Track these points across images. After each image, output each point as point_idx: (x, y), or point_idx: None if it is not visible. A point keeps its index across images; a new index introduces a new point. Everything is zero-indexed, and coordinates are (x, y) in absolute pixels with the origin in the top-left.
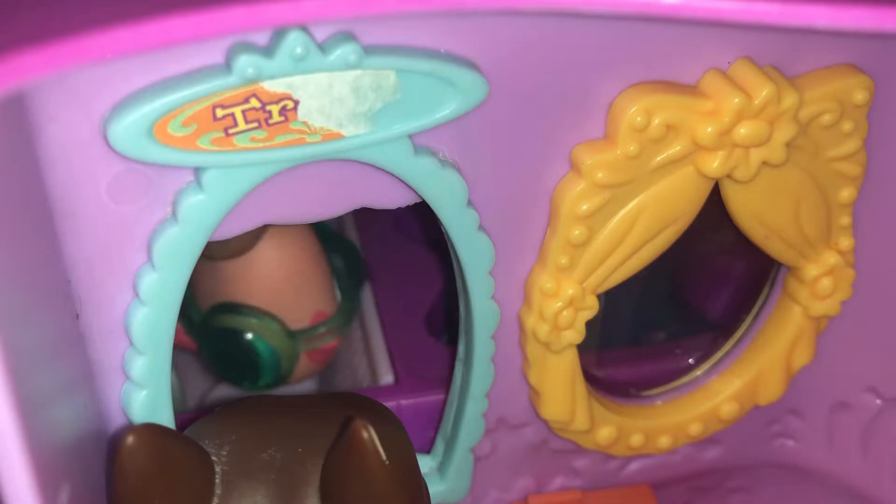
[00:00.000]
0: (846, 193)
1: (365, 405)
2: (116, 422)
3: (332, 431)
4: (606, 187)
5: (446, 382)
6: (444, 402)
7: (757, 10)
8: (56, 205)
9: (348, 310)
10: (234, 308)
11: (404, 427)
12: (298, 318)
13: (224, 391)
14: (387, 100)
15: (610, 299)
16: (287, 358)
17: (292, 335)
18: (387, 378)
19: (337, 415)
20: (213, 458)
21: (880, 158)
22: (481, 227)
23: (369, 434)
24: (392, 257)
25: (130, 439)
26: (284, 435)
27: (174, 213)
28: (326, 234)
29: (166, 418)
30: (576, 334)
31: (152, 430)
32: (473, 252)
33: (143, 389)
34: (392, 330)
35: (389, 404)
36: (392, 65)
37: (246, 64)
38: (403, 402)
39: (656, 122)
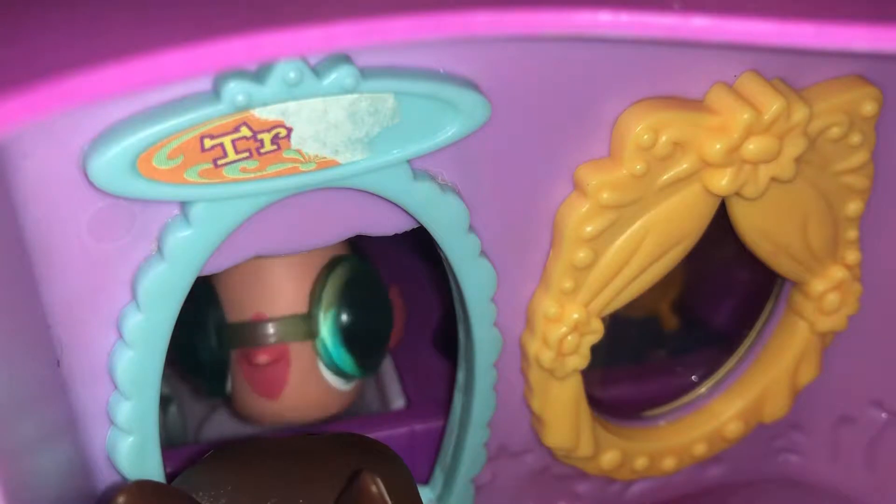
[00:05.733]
0: (853, 207)
1: (366, 447)
2: (102, 471)
3: (334, 479)
4: (612, 208)
5: None
6: None
7: (792, 32)
8: (32, 246)
9: (311, 323)
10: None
11: (406, 466)
12: (238, 309)
13: (222, 418)
14: (385, 124)
15: (610, 317)
16: (216, 357)
17: (226, 328)
18: (398, 402)
19: (337, 459)
20: None
21: (886, 169)
22: (483, 253)
23: (378, 489)
24: (395, 273)
25: (122, 499)
26: (283, 483)
27: (160, 250)
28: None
29: (155, 465)
30: (581, 360)
31: (144, 487)
32: (475, 279)
33: (130, 435)
34: (400, 350)
35: (402, 430)
36: (390, 87)
37: (235, 91)
38: (417, 427)
39: (663, 139)
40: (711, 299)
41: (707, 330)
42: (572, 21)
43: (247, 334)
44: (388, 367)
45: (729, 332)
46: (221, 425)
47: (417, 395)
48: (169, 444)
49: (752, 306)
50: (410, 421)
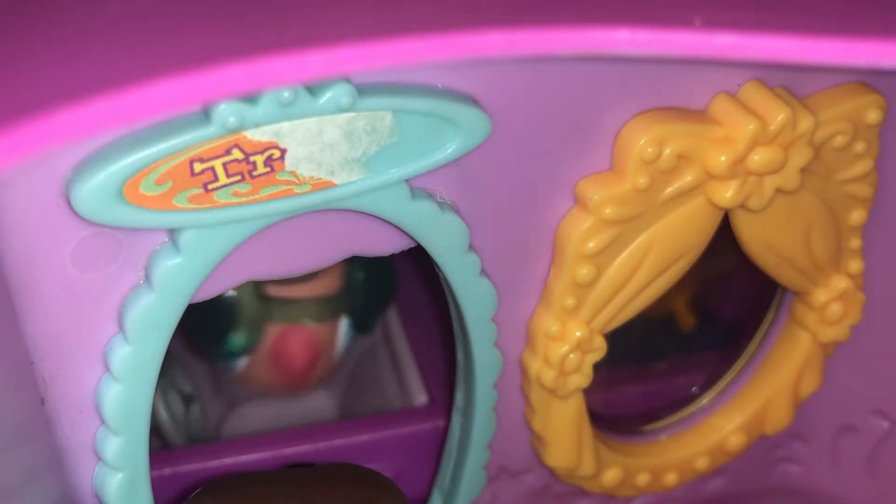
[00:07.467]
0: (856, 216)
1: (362, 478)
2: None
3: None
4: (615, 223)
5: None
6: None
7: (822, 49)
8: (14, 278)
9: (345, 302)
10: None
11: (403, 494)
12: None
13: (241, 416)
14: (382, 143)
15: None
16: (249, 325)
17: (263, 300)
18: (420, 398)
19: (333, 492)
20: None
21: (887, 176)
22: (483, 272)
23: None
24: (414, 270)
25: None
26: None
27: (148, 279)
28: None
29: (145, 502)
30: (583, 378)
31: None
32: (475, 298)
33: (119, 472)
34: (421, 346)
35: (425, 426)
36: (388, 105)
37: (227, 112)
38: (441, 423)
39: (667, 152)
40: (710, 309)
41: (707, 340)
42: (589, 39)
43: (287, 313)
44: (409, 363)
45: (729, 342)
46: (241, 423)
47: (440, 392)
48: (189, 441)
49: (752, 316)
50: (434, 418)
